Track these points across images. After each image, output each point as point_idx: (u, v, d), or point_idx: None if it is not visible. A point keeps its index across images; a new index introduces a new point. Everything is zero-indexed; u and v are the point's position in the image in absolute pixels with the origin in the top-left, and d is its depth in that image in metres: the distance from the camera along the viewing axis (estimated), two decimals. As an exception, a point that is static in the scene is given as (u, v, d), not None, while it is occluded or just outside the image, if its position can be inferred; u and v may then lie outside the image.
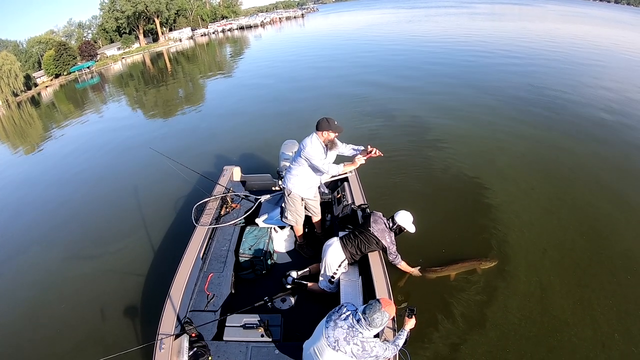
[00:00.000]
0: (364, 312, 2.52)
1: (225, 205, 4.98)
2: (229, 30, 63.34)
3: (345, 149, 4.02)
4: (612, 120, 8.96)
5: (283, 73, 18.47)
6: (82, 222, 6.88)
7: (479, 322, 3.81)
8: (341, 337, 2.51)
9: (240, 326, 3.41)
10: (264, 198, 5.07)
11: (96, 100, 22.34)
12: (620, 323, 3.74)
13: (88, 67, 41.46)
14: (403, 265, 3.92)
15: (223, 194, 5.05)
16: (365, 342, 2.48)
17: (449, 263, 4.43)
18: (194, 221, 4.43)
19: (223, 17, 75.32)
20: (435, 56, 18.47)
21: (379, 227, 3.64)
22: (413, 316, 2.99)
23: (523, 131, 8.53)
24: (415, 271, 4.17)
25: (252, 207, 4.87)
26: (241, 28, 64.16)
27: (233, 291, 4.04)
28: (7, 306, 5.05)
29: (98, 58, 46.88)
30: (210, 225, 4.47)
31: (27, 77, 37.87)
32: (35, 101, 29.90)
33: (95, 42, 52.46)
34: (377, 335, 2.63)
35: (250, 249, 4.32)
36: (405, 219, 3.72)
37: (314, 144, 3.75)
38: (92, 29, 58.99)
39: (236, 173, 5.63)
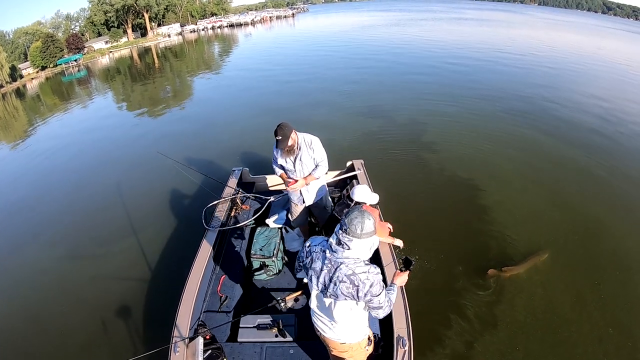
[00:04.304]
0: (340, 226, 2.00)
1: (235, 207, 5.00)
2: (219, 27, 62.68)
3: (311, 163, 3.71)
4: (603, 125, 9.45)
5: (280, 72, 18.44)
6: (87, 224, 6.71)
7: (491, 321, 3.99)
8: (326, 277, 2.04)
9: (254, 327, 3.41)
10: (273, 198, 5.09)
11: (84, 94, 21.85)
12: (613, 317, 3.99)
13: (75, 60, 40.48)
14: (382, 239, 3.51)
15: (232, 195, 5.03)
16: (353, 276, 1.95)
17: (517, 263, 4.67)
18: (204, 224, 4.39)
19: (212, 14, 74.42)
20: (427, 60, 18.84)
21: (339, 212, 3.55)
22: (408, 270, 2.44)
23: (515, 134, 8.91)
24: (395, 240, 3.69)
25: (262, 208, 4.86)
26: (231, 26, 63.59)
27: (246, 292, 4.05)
28: (8, 309, 4.95)
29: (85, 51, 45.79)
30: (220, 227, 4.44)
31: (13, 69, 36.71)
32: (20, 93, 29.04)
33: (83, 35, 51.16)
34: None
35: (261, 249, 4.31)
36: (360, 194, 3.35)
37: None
38: (80, 21, 57.39)
39: (244, 174, 5.65)
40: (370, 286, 1.97)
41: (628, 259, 4.82)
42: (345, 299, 2.02)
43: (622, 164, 7.44)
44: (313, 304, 2.30)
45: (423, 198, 6.35)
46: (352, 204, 3.35)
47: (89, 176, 8.85)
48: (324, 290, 2.08)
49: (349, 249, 1.95)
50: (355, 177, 5.13)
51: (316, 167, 3.70)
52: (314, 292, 2.22)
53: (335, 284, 2.00)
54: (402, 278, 2.42)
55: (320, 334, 2.41)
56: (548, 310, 4.08)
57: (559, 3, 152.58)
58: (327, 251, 2.05)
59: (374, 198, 3.38)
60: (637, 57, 23.71)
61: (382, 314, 2.12)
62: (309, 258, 2.18)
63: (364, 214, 1.94)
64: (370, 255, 2.08)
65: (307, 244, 2.24)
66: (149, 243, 5.81)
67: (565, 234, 5.35)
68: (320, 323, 2.33)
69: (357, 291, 1.97)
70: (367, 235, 1.94)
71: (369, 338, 2.49)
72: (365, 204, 3.34)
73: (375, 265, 2.05)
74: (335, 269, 1.99)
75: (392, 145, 8.37)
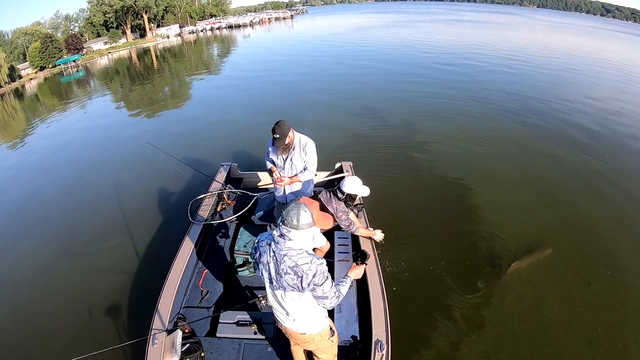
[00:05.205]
0: (280, 219, 2.08)
1: (221, 202, 4.98)
2: (218, 28, 62.78)
3: (302, 165, 3.64)
4: (596, 126, 9.40)
5: (277, 72, 18.44)
6: (73, 217, 6.69)
7: (477, 322, 3.91)
8: (272, 270, 2.09)
9: (234, 323, 3.41)
10: (259, 195, 5.06)
11: (82, 94, 21.81)
12: (602, 318, 3.91)
13: (74, 61, 40.28)
14: (361, 232, 3.69)
15: (219, 190, 5.03)
16: (296, 268, 2.00)
17: (516, 259, 4.62)
18: (189, 217, 4.39)
19: (211, 16, 74.61)
20: (421, 63, 18.87)
21: (325, 198, 3.47)
22: (363, 264, 2.43)
23: (507, 135, 8.87)
24: (376, 233, 3.77)
25: (248, 204, 4.84)
26: (230, 27, 63.72)
27: (227, 288, 4.03)
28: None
29: (84, 52, 45.80)
30: (205, 221, 4.43)
31: (12, 69, 36.57)
32: (19, 93, 28.88)
33: (82, 36, 51.26)
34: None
35: (245, 246, 4.27)
36: (352, 185, 3.34)
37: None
38: (79, 22, 57.57)
39: (233, 170, 5.63)
40: (313, 276, 2.02)
41: (619, 259, 4.75)
42: (292, 290, 2.09)
43: (615, 164, 7.39)
44: (269, 297, 2.33)
45: (412, 199, 6.26)
46: (343, 197, 3.39)
47: (83, 168, 8.90)
48: (272, 282, 2.14)
49: (290, 240, 2.03)
50: (343, 178, 5.08)
51: (304, 169, 3.64)
52: (267, 285, 2.25)
53: (281, 276, 2.06)
54: (357, 271, 2.42)
55: (281, 324, 2.42)
56: (537, 311, 4.00)
57: (557, 5, 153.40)
58: (272, 244, 2.11)
59: (365, 190, 3.41)
60: (634, 59, 23.71)
61: (328, 305, 2.15)
62: (258, 252, 2.23)
63: (300, 206, 2.01)
64: (313, 245, 2.15)
65: (256, 240, 2.30)
66: (134, 235, 5.77)
67: (556, 234, 5.27)
68: (279, 314, 2.35)
69: (301, 282, 2.03)
70: (306, 226, 2.01)
71: (330, 329, 2.49)
72: (357, 195, 3.41)
73: (318, 256, 2.10)
74: (280, 261, 2.05)
75: (382, 147, 8.30)
